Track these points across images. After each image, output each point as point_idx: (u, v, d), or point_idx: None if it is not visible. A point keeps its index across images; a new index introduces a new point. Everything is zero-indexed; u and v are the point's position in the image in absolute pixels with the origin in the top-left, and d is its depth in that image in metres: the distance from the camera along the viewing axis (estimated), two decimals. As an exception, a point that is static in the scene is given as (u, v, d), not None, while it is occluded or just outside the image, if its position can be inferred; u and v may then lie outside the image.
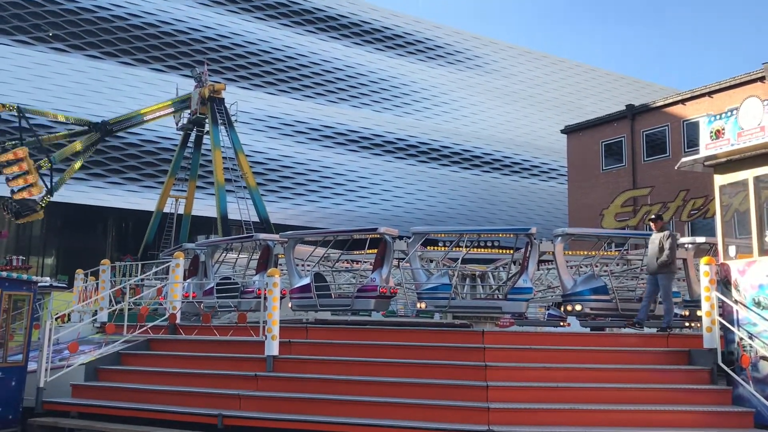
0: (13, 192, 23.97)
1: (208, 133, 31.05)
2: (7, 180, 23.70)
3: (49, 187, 25.35)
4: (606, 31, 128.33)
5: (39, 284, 11.62)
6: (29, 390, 10.44)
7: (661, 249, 10.91)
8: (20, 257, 22.89)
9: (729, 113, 9.46)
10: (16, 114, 25.10)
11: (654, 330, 11.52)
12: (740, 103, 9.34)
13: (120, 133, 36.15)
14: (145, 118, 30.62)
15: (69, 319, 15.30)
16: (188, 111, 31.17)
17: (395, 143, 46.37)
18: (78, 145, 27.92)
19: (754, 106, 9.12)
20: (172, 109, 31.06)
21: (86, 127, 28.84)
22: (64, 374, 10.60)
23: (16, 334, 10.92)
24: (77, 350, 11.20)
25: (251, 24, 42.49)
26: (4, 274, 10.64)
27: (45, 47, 35.88)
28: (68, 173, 27.97)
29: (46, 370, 10.40)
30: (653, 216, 11.74)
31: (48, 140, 27.15)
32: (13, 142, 24.72)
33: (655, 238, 11.17)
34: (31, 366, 10.68)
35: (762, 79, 26.27)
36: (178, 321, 12.24)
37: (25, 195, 23.81)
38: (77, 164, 28.49)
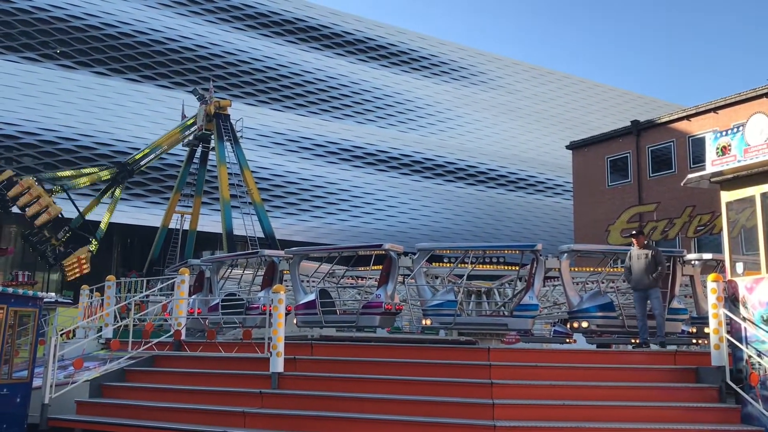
0: (32, 219, 24.13)
1: (213, 149, 31.15)
2: (24, 210, 23.90)
3: (79, 212, 26.25)
4: (609, 48, 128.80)
5: (44, 300, 11.63)
6: (34, 406, 10.40)
7: (651, 264, 10.85)
8: (26, 273, 23.00)
9: (735, 129, 9.45)
10: (37, 185, 25.27)
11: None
12: (746, 120, 9.32)
13: (123, 148, 36.45)
14: (163, 148, 30.67)
15: (74, 335, 15.29)
16: (194, 128, 31.32)
17: (400, 159, 46.44)
18: (101, 175, 28.11)
19: (760, 122, 9.10)
20: (180, 135, 31.13)
21: (109, 176, 28.98)
22: (68, 391, 10.58)
23: (21, 350, 10.90)
24: (82, 366, 11.19)
25: (257, 41, 42.77)
26: (10, 290, 10.63)
27: (52, 64, 36.17)
28: (114, 203, 28.48)
29: (50, 386, 10.38)
30: (634, 231, 11.68)
31: (76, 185, 27.45)
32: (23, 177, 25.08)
33: (640, 254, 11.09)
34: (36, 382, 10.65)
35: (767, 95, 26.25)
36: (183, 337, 12.22)
37: (45, 218, 23.96)
38: (117, 192, 28.88)
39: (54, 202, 24.40)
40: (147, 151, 30.13)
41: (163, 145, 30.43)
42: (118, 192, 28.71)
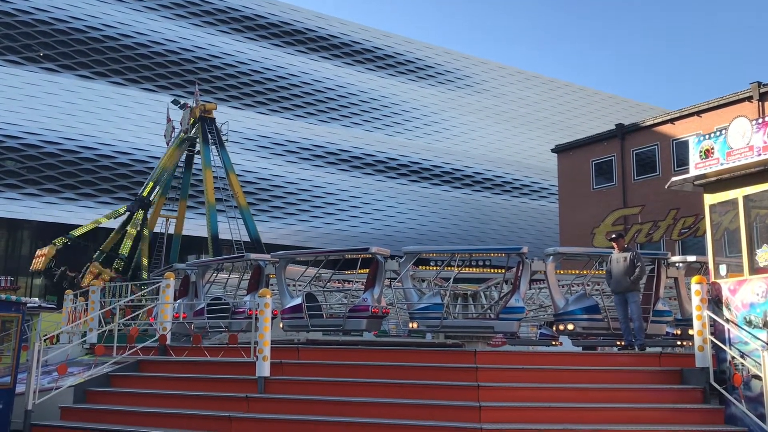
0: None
1: (199, 152, 31.03)
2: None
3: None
4: (594, 51, 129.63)
5: (27, 305, 11.52)
6: (17, 413, 10.29)
7: (629, 267, 10.93)
8: (8, 278, 22.80)
9: (718, 133, 9.54)
10: (67, 243, 27.09)
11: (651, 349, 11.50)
12: (729, 123, 9.42)
13: (110, 153, 36.23)
14: (170, 171, 30.52)
15: (58, 341, 15.17)
16: (179, 130, 31.17)
17: (386, 163, 46.47)
18: (132, 231, 28.31)
19: (742, 126, 9.19)
20: (183, 146, 30.98)
21: (127, 213, 28.98)
22: (52, 396, 10.47)
23: (3, 356, 10.80)
24: (66, 372, 11.08)
25: (243, 44, 42.67)
26: (-7, 295, 10.54)
27: (35, 67, 35.90)
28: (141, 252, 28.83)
29: (34, 392, 10.26)
30: (614, 235, 11.74)
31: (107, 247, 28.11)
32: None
33: (619, 257, 11.16)
34: (19, 388, 10.55)
35: (750, 98, 26.52)
36: (168, 342, 12.14)
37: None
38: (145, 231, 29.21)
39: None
40: (153, 182, 29.83)
41: (168, 167, 30.27)
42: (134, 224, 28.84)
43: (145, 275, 26.38)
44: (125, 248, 27.61)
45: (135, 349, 11.71)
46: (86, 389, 10.93)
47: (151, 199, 29.69)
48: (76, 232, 27.75)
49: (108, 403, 10.75)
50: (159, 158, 35.70)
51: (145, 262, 27.46)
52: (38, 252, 27.41)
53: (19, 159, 33.02)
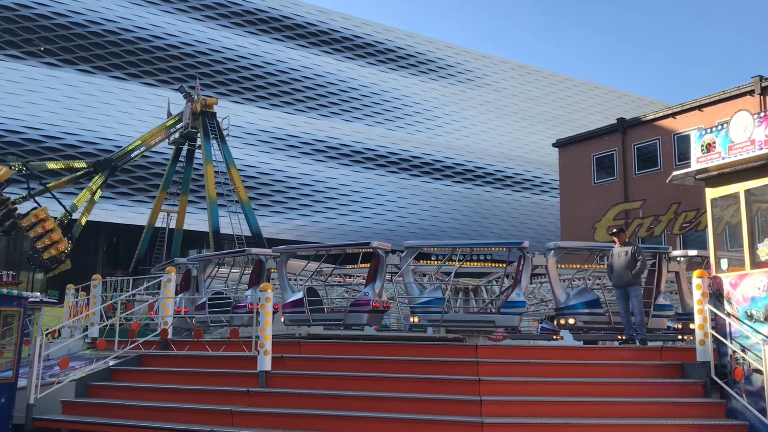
0: (40, 252, 24.44)
1: (200, 147, 31.03)
2: (34, 242, 24.25)
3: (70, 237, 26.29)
4: (595, 45, 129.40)
5: (29, 299, 11.54)
6: (19, 407, 10.33)
7: (631, 261, 10.93)
8: (10, 272, 22.79)
9: (719, 127, 9.52)
10: (24, 171, 25.72)
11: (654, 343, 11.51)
12: (731, 117, 9.40)
13: (110, 147, 36.18)
14: (149, 144, 30.46)
15: (59, 335, 15.18)
16: (180, 125, 31.16)
17: (387, 157, 46.44)
18: (88, 193, 28.02)
19: (744, 120, 9.17)
20: (165, 132, 30.98)
21: (91, 169, 28.76)
22: (54, 391, 10.50)
23: (5, 350, 10.83)
24: (68, 366, 11.11)
25: (243, 39, 42.61)
26: (-6, 289, 10.56)
27: (36, 62, 35.86)
28: (88, 211, 28.45)
29: (36, 386, 10.30)
30: (615, 229, 11.74)
31: (54, 187, 27.21)
32: (23, 197, 25.34)
33: (621, 251, 11.17)
34: (21, 382, 10.57)
35: (752, 92, 26.46)
36: (169, 336, 12.16)
37: (53, 252, 24.47)
38: (97, 194, 28.73)
39: (62, 238, 24.84)
40: (130, 148, 29.93)
41: (149, 141, 30.25)
42: (98, 186, 28.56)
43: (64, 267, 25.23)
44: (78, 201, 27.38)
45: (136, 343, 11.74)
46: (88, 383, 10.95)
47: (118, 165, 29.62)
48: (35, 164, 27.07)
49: (110, 397, 10.77)
50: (160, 152, 35.80)
51: (61, 246, 24.77)
52: None
53: (20, 153, 32.99)
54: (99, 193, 28.86)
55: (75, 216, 27.56)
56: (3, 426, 10.13)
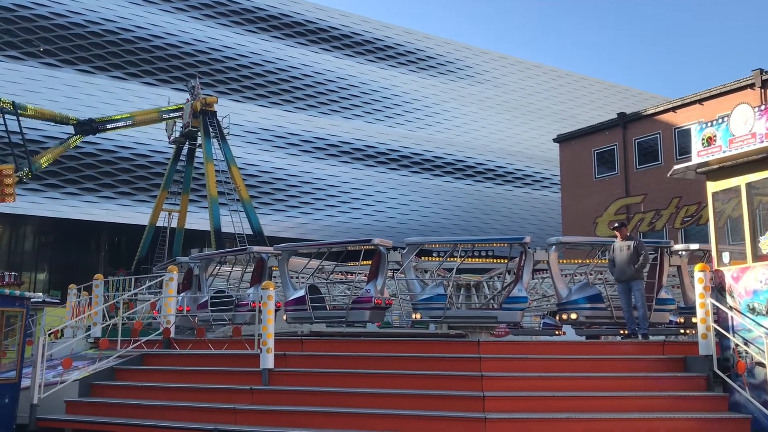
0: None
1: (200, 146, 31.02)
2: None
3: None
4: (595, 41, 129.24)
5: (32, 300, 11.55)
6: (23, 407, 10.35)
7: (633, 255, 10.92)
8: (12, 273, 22.78)
9: (720, 120, 9.51)
10: (10, 110, 25.22)
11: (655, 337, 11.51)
12: (731, 111, 9.38)
13: (111, 147, 36.17)
14: (136, 121, 30.42)
15: (62, 335, 15.21)
16: (180, 124, 31.15)
17: (388, 154, 46.41)
18: (60, 150, 27.91)
19: (745, 113, 9.16)
20: (158, 116, 31.05)
21: (71, 125, 28.68)
22: (57, 390, 10.52)
23: (8, 351, 10.84)
24: (71, 366, 11.13)
25: (243, 37, 42.56)
26: (-4, 290, 10.56)
27: (36, 62, 35.84)
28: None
29: (39, 386, 10.32)
30: (617, 224, 11.72)
31: (37, 161, 27.01)
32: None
33: (623, 245, 11.15)
34: (25, 383, 10.59)
35: (752, 86, 26.42)
36: (172, 335, 12.17)
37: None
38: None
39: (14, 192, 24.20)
40: (116, 117, 29.99)
41: (137, 118, 30.28)
42: (73, 144, 28.65)
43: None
44: (44, 159, 27.17)
45: (139, 342, 11.75)
46: (91, 383, 10.98)
47: (98, 129, 29.58)
48: (5, 100, 26.78)
49: (113, 396, 10.79)
50: (160, 152, 35.81)
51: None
52: None
53: (20, 154, 32.98)
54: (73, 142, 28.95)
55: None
56: (7, 426, 10.15)
